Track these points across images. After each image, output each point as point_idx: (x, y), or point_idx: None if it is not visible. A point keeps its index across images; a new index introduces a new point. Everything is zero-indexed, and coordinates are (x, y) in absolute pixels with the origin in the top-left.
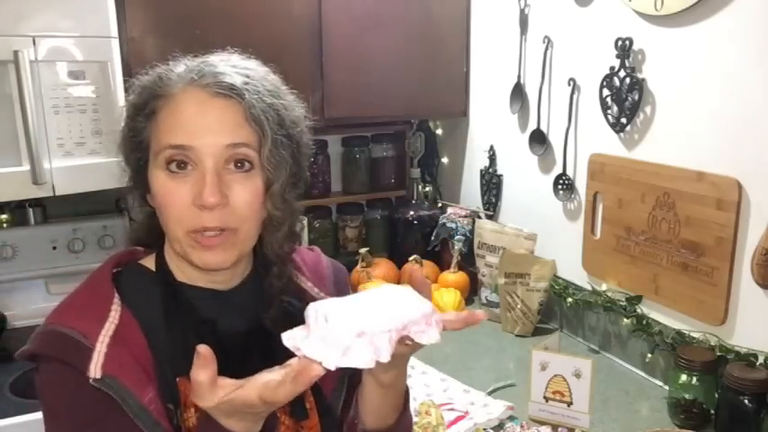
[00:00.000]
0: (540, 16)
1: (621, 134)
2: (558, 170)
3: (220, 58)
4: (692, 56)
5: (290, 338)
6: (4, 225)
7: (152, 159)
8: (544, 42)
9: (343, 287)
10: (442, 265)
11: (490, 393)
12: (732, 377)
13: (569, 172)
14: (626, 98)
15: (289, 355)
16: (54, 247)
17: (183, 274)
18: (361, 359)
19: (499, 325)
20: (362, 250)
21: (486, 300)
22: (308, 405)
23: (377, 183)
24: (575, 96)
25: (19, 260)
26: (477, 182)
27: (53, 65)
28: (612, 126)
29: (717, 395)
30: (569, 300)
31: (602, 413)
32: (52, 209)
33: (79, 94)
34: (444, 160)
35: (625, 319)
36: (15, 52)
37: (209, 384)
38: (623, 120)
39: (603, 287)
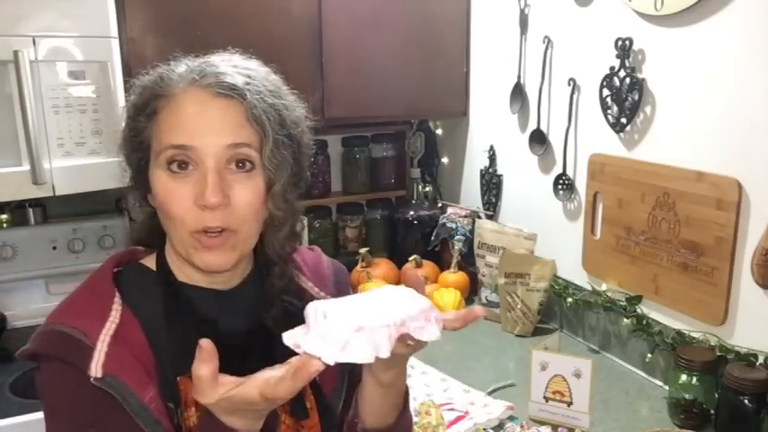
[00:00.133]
0: (540, 16)
1: (621, 134)
2: (558, 170)
3: (222, 59)
4: (692, 56)
5: (290, 337)
6: (4, 225)
7: (153, 159)
8: (544, 42)
9: (343, 287)
10: (442, 265)
11: (490, 393)
12: (732, 377)
13: (569, 172)
14: (626, 98)
15: (290, 354)
16: (54, 247)
17: (183, 273)
18: (360, 354)
19: (499, 325)
20: (362, 250)
21: (486, 300)
22: (309, 404)
23: (377, 183)
24: (575, 96)
25: (19, 260)
26: (477, 182)
27: (53, 65)
28: (612, 126)
29: (717, 395)
30: (569, 300)
31: (602, 413)
32: (52, 209)
33: (79, 94)
34: (444, 160)
35: (625, 319)
36: (15, 52)
37: (210, 380)
38: (623, 120)
39: (603, 287)
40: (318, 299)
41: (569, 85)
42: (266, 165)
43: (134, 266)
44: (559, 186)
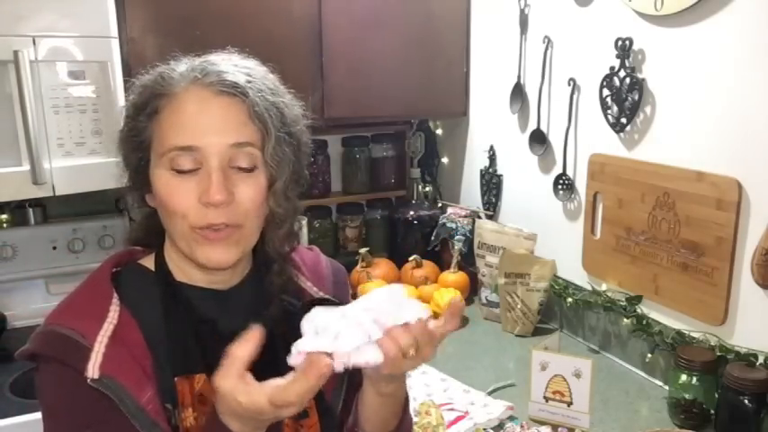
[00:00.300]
0: (540, 16)
1: (621, 134)
2: (558, 170)
3: (222, 57)
4: (692, 56)
5: (294, 356)
6: (4, 225)
7: (155, 159)
8: (544, 42)
9: (342, 287)
10: (442, 265)
11: (490, 393)
12: (732, 377)
13: (569, 172)
14: (626, 98)
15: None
16: (54, 247)
17: (182, 273)
18: (371, 355)
19: (499, 325)
20: (362, 250)
21: (486, 300)
22: (308, 404)
23: (377, 183)
24: (575, 96)
25: (19, 260)
26: (477, 182)
27: (53, 65)
28: (612, 126)
29: (717, 395)
30: (569, 300)
31: (602, 413)
32: (52, 209)
33: (79, 94)
34: (444, 160)
35: (625, 319)
36: (15, 52)
37: (240, 362)
38: (623, 120)
39: (603, 287)
40: (317, 298)
41: (569, 85)
42: (269, 162)
43: (132, 267)
44: (559, 186)
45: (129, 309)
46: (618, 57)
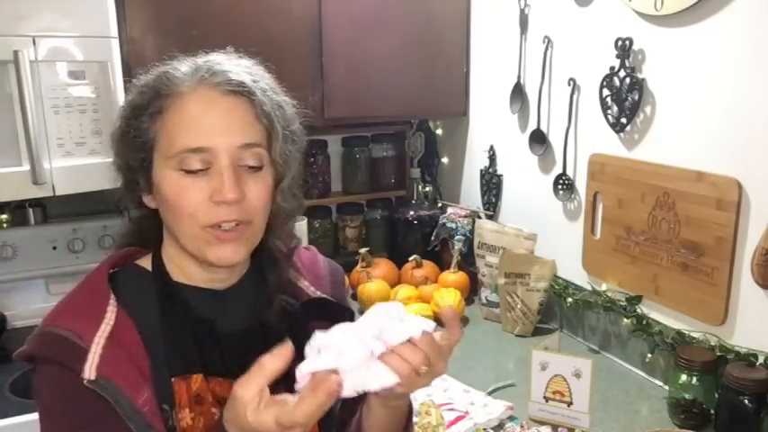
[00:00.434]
0: (540, 16)
1: (621, 134)
2: (558, 170)
3: (223, 57)
4: (692, 56)
5: (298, 376)
6: (4, 225)
7: (161, 160)
8: (544, 42)
9: (339, 286)
10: (442, 265)
11: (490, 393)
12: (732, 377)
13: (569, 172)
14: (626, 98)
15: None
16: (54, 247)
17: (181, 273)
18: (384, 378)
19: (499, 325)
20: (362, 250)
21: (486, 300)
22: None
23: (377, 183)
24: (575, 96)
25: (19, 260)
26: (477, 182)
27: (53, 65)
28: (612, 126)
29: (717, 395)
30: (569, 300)
31: (602, 413)
32: (52, 209)
33: (79, 94)
34: (444, 160)
35: (625, 319)
36: (15, 52)
37: (267, 373)
38: (623, 120)
39: (603, 287)
40: (314, 297)
41: (569, 85)
42: (277, 161)
43: (130, 267)
44: (559, 186)
45: (127, 309)
46: (618, 57)
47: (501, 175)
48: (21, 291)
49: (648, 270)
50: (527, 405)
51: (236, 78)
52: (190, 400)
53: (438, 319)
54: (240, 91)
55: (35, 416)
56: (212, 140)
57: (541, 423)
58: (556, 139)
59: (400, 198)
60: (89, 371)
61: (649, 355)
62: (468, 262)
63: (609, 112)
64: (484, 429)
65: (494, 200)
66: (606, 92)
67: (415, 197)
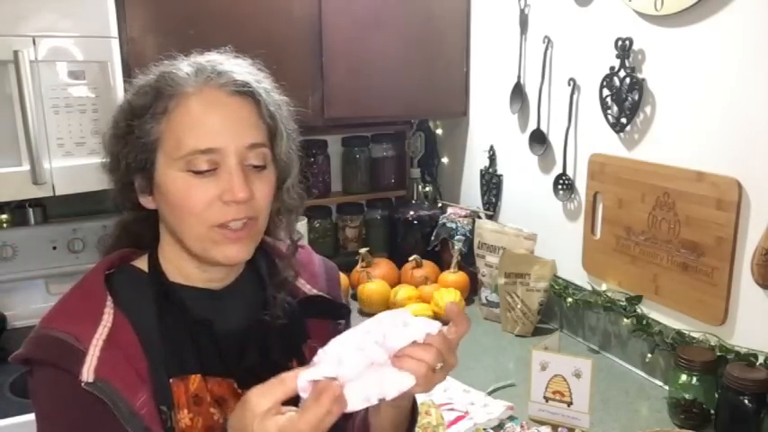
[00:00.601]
0: (540, 16)
1: (621, 134)
2: (558, 170)
3: (224, 57)
4: (692, 56)
5: (299, 386)
6: (4, 225)
7: (166, 161)
8: (544, 42)
9: (335, 284)
10: (442, 265)
11: (490, 393)
12: (732, 377)
13: (569, 172)
14: (626, 98)
15: (288, 347)
16: (54, 247)
17: (179, 273)
18: (401, 381)
19: (499, 325)
20: (362, 250)
21: (486, 300)
22: None
23: (377, 183)
24: (575, 96)
25: (19, 260)
26: (477, 182)
27: (53, 65)
28: (612, 126)
29: (717, 395)
30: (569, 300)
31: (602, 413)
32: (52, 209)
33: (79, 94)
34: (444, 160)
35: (625, 319)
36: (15, 52)
37: (287, 392)
38: (623, 120)
39: (603, 287)
40: (310, 295)
41: (569, 85)
42: (281, 159)
43: (126, 268)
44: (559, 186)
45: (124, 311)
46: (618, 57)
47: (501, 175)
48: (21, 291)
49: (648, 270)
50: (527, 405)
51: (240, 79)
52: (188, 401)
53: (438, 319)
54: (245, 91)
55: (34, 416)
56: (220, 141)
57: (541, 423)
58: (556, 139)
59: (400, 198)
60: (87, 373)
61: (649, 355)
62: (468, 262)
63: (609, 112)
64: (484, 429)
65: (494, 200)
66: (606, 92)
67: (415, 197)
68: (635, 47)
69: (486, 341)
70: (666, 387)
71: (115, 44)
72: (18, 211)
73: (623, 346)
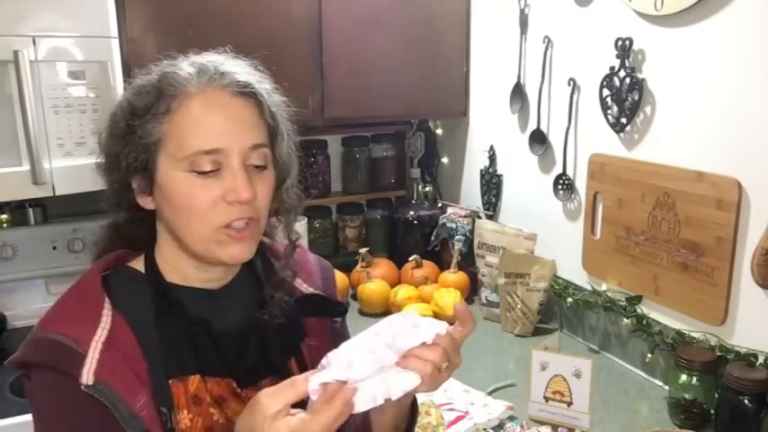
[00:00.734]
0: (540, 16)
1: (621, 134)
2: (558, 170)
3: (224, 57)
4: (692, 56)
5: (310, 389)
6: (4, 225)
7: (168, 161)
8: (544, 42)
9: (330, 283)
10: (442, 265)
11: (490, 393)
12: (732, 377)
13: (569, 172)
14: (626, 98)
15: (284, 352)
16: (54, 247)
17: (176, 274)
18: (408, 380)
19: (499, 325)
20: (362, 250)
21: (486, 300)
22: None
23: (377, 183)
24: (575, 96)
25: (19, 260)
26: (477, 182)
27: (53, 65)
28: (612, 126)
29: (717, 395)
30: (569, 300)
31: (602, 413)
32: (52, 209)
33: (79, 94)
34: (444, 160)
35: (625, 319)
36: (15, 52)
37: (298, 395)
38: (623, 120)
39: (603, 287)
40: (307, 293)
41: (569, 85)
42: (282, 160)
43: (122, 269)
44: (559, 186)
45: (122, 312)
46: (618, 57)
47: (501, 175)
48: (21, 291)
49: (648, 270)
50: (527, 405)
51: (243, 80)
52: (187, 401)
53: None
54: (247, 92)
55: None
56: (224, 142)
57: (541, 423)
58: (556, 139)
59: (400, 198)
60: (87, 376)
61: (649, 355)
62: (468, 262)
63: (609, 112)
64: (484, 429)
65: (494, 200)
66: (606, 92)
67: (415, 197)
68: (635, 47)
69: (486, 341)
70: (666, 387)
71: (115, 44)
72: (18, 211)
73: (623, 346)
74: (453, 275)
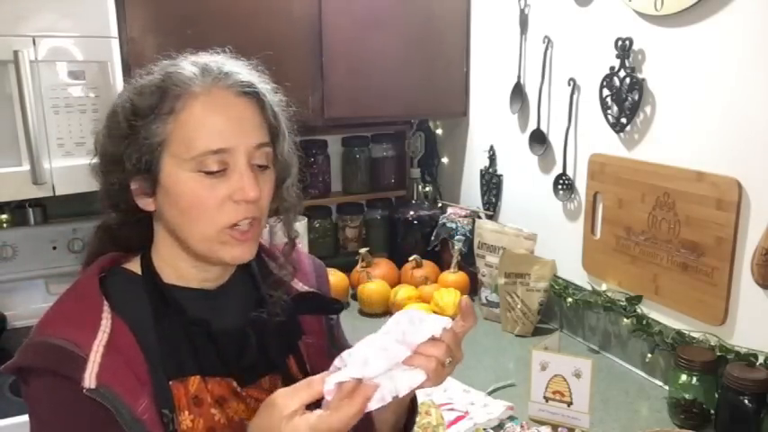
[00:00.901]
0: (540, 16)
1: (621, 134)
2: (558, 170)
3: (226, 57)
4: (692, 56)
5: (326, 389)
6: (4, 225)
7: (173, 161)
8: (544, 42)
9: (324, 281)
10: (442, 265)
11: (490, 393)
12: (732, 377)
13: (569, 172)
14: (626, 98)
15: (283, 350)
16: (54, 247)
17: (173, 274)
18: (416, 376)
19: (499, 325)
20: (362, 250)
21: (486, 300)
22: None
23: (377, 183)
24: (575, 96)
25: (19, 260)
26: (477, 182)
27: (53, 65)
28: (612, 126)
29: (717, 395)
30: (569, 300)
31: (602, 413)
32: (52, 209)
33: (79, 94)
34: (444, 160)
35: (625, 319)
36: (15, 52)
37: (314, 396)
38: (623, 120)
39: (603, 287)
40: (303, 292)
41: (569, 85)
42: (283, 159)
43: (118, 271)
44: (559, 186)
45: (120, 315)
46: (618, 57)
47: (501, 175)
48: (21, 291)
49: (648, 270)
50: (527, 405)
51: (246, 80)
52: (188, 403)
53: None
54: (250, 92)
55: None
56: (231, 142)
57: (541, 423)
58: (556, 139)
59: (400, 198)
60: (89, 379)
61: (649, 355)
62: (468, 262)
63: (609, 112)
64: (484, 429)
65: (494, 200)
66: (606, 92)
67: (415, 197)
68: (635, 47)
69: (486, 341)
70: (666, 387)
71: (115, 44)
72: (18, 211)
73: (623, 346)
74: (453, 275)
